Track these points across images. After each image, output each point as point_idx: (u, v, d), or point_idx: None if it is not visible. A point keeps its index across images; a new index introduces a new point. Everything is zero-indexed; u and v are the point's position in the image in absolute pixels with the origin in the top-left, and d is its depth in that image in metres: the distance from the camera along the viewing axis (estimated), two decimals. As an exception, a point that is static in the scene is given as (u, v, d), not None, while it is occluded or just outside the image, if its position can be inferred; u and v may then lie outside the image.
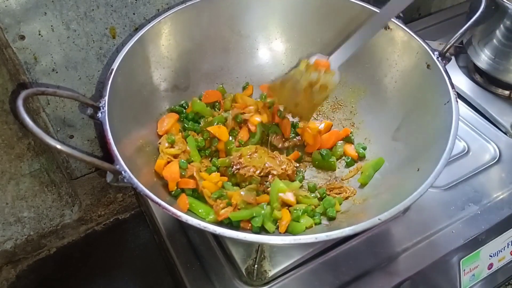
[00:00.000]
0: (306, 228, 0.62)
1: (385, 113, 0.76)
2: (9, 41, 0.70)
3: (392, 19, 0.73)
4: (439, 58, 0.67)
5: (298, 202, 0.66)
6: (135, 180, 0.52)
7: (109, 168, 0.52)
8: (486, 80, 0.95)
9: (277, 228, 0.63)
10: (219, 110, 0.80)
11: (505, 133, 0.86)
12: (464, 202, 0.76)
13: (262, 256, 0.67)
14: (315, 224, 0.64)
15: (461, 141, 0.85)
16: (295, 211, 0.63)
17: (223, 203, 0.63)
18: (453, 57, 0.97)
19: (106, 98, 0.60)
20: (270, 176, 0.68)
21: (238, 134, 0.75)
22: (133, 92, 0.69)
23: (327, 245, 0.70)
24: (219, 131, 0.73)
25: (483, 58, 0.91)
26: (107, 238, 0.94)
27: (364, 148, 0.76)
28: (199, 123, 0.76)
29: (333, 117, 0.83)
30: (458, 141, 0.84)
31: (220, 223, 0.63)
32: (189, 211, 0.63)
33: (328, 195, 0.69)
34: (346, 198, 0.69)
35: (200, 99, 0.78)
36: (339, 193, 0.70)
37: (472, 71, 0.98)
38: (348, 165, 0.76)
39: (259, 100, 0.81)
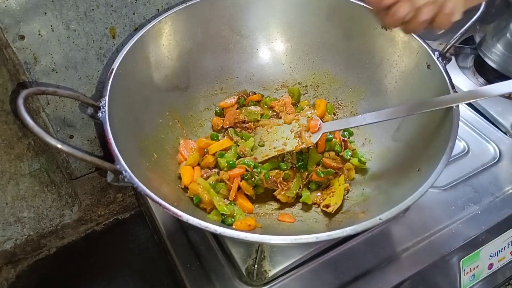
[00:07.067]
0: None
1: (385, 113, 0.76)
2: (9, 41, 0.70)
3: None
4: (439, 58, 0.67)
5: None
6: (136, 179, 0.52)
7: (110, 168, 0.52)
8: (487, 80, 0.95)
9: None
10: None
11: (505, 133, 0.86)
12: (464, 202, 0.76)
13: (262, 256, 0.67)
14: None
15: (461, 141, 0.85)
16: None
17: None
18: (453, 57, 0.97)
19: (107, 97, 0.60)
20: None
21: None
22: (134, 91, 0.69)
23: (328, 245, 0.70)
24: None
25: (497, 55, 0.91)
26: (107, 238, 0.94)
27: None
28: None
29: (333, 117, 0.83)
30: (458, 141, 0.84)
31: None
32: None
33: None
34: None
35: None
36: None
37: (472, 71, 0.99)
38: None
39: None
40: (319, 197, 0.71)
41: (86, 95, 0.82)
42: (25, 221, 0.84)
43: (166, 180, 0.67)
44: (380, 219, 0.50)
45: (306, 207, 0.71)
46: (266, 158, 0.72)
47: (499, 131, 0.87)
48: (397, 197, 0.55)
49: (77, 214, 0.91)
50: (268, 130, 0.77)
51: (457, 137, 0.59)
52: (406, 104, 0.68)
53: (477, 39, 0.97)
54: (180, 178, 0.70)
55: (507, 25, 0.88)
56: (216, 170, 0.73)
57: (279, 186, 0.70)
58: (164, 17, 0.73)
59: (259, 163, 0.72)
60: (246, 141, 0.76)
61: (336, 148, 0.75)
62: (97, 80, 0.82)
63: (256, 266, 0.66)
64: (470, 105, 0.92)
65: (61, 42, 0.74)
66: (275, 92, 0.86)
